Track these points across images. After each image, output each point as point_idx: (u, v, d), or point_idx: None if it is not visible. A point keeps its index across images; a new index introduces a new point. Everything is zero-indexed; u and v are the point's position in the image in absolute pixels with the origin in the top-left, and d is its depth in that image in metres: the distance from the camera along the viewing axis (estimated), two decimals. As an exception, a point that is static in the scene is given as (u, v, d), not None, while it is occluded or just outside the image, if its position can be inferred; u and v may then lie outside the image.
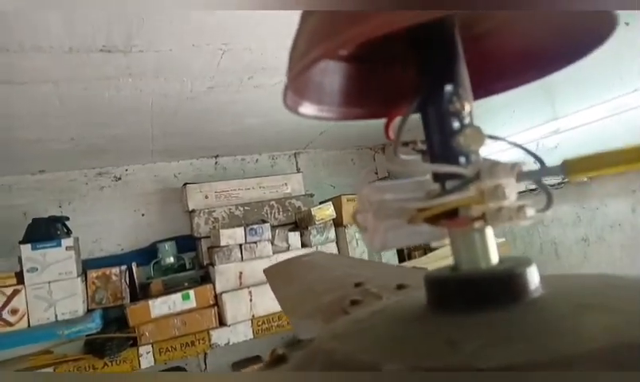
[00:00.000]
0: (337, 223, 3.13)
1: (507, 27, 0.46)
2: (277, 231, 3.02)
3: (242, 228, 2.86)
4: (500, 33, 0.46)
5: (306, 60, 0.33)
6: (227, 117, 2.66)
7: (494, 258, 0.38)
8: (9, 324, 2.55)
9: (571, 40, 0.41)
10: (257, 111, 2.63)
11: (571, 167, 0.34)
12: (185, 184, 3.16)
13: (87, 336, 2.61)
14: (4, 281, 2.57)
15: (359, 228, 0.42)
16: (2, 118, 2.11)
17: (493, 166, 0.35)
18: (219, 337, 2.75)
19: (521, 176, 0.35)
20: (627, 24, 2.11)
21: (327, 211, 3.04)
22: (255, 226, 2.90)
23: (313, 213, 3.00)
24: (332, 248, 3.10)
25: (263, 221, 3.02)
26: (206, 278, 2.96)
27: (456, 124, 0.39)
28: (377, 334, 0.39)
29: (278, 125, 2.96)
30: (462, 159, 0.38)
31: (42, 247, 2.63)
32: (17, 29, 1.44)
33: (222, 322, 2.78)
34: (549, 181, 2.51)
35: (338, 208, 3.10)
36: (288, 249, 3.00)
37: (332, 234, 3.10)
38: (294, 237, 3.05)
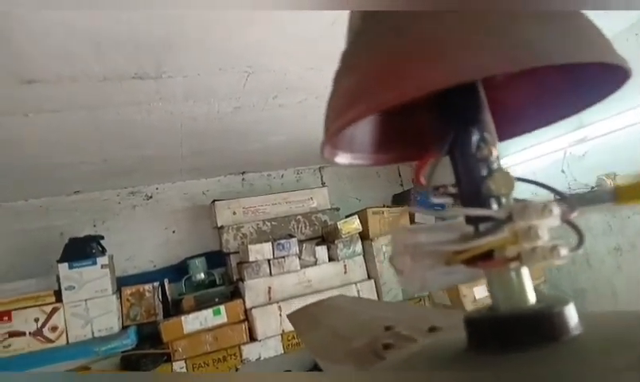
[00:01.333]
0: (364, 236, 3.14)
1: (523, 75, 0.47)
2: (304, 245, 3.04)
3: (270, 243, 2.90)
4: (516, 81, 0.48)
5: (341, 121, 0.35)
6: (253, 135, 2.72)
7: (532, 297, 0.39)
8: (50, 341, 2.64)
9: (585, 88, 0.43)
10: (282, 129, 2.69)
11: (622, 194, 0.34)
12: (213, 201, 3.23)
13: (122, 352, 2.68)
14: (44, 299, 2.67)
15: (395, 271, 0.44)
16: (40, 143, 2.21)
17: (525, 208, 0.36)
18: (250, 352, 2.78)
19: (572, 204, 0.36)
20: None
21: (353, 224, 3.06)
22: (282, 241, 2.94)
23: (339, 227, 3.02)
24: (359, 262, 3.11)
25: (291, 236, 3.06)
26: (236, 294, 3.01)
27: (485, 169, 0.40)
28: (418, 379, 0.40)
29: (302, 141, 3.00)
30: (493, 202, 0.39)
31: (79, 266, 2.72)
32: (55, 61, 1.52)
33: (252, 337, 2.82)
34: (576, 188, 2.46)
35: (364, 222, 3.12)
36: (315, 263, 3.02)
37: (359, 247, 3.11)
38: (322, 251, 3.08)
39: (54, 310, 2.67)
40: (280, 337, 2.82)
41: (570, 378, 0.29)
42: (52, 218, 3.09)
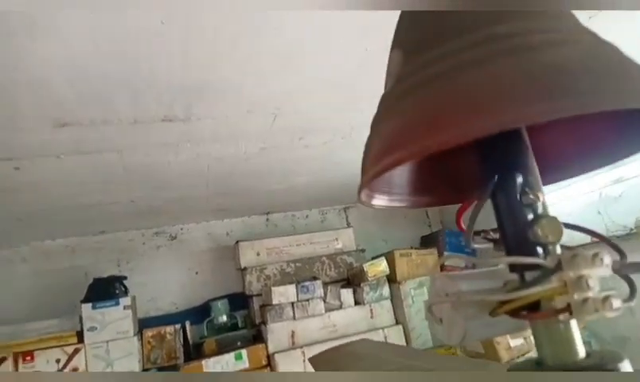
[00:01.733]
0: (391, 279, 3.06)
1: (564, 121, 0.46)
2: (329, 288, 2.98)
3: (294, 286, 2.85)
4: (559, 126, 0.47)
5: (379, 167, 0.34)
6: (278, 175, 2.72)
7: (581, 351, 0.36)
8: (70, 383, 2.60)
9: (629, 135, 0.41)
10: (307, 169, 2.68)
11: None
12: (237, 241, 3.21)
13: (142, 394, 2.62)
14: (66, 340, 2.66)
15: (433, 320, 0.42)
16: (70, 184, 2.24)
17: (575, 257, 0.34)
18: (272, 398, 2.69)
19: (624, 268, 0.34)
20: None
21: (380, 267, 2.99)
22: (306, 283, 2.88)
23: (365, 269, 2.95)
24: (386, 306, 3.02)
25: (315, 278, 3.00)
26: (258, 337, 2.94)
27: (530, 214, 0.38)
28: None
29: (327, 181, 2.99)
30: (540, 250, 0.37)
31: (102, 307, 2.71)
32: (89, 104, 1.55)
33: (275, 383, 2.72)
34: (614, 230, 2.36)
35: (391, 264, 3.04)
36: (341, 307, 2.95)
37: (386, 291, 3.03)
38: (347, 294, 3.00)
39: (76, 351, 2.65)
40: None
41: None
42: (77, 258, 3.12)
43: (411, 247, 3.43)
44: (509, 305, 0.36)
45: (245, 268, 3.09)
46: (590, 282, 0.33)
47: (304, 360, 2.71)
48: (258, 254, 3.15)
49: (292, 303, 2.82)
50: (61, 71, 1.33)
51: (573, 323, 0.37)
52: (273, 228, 3.59)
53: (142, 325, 2.91)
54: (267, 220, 3.61)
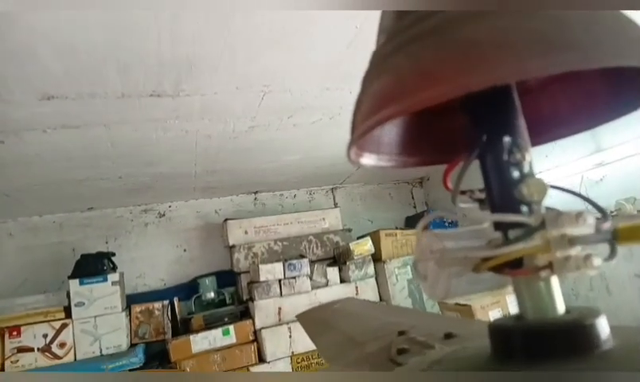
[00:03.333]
0: (376, 258, 3.11)
1: (558, 80, 0.46)
2: (315, 266, 3.02)
3: (281, 264, 2.89)
4: (551, 86, 0.47)
5: (372, 120, 0.34)
6: (266, 155, 2.73)
7: (561, 307, 0.37)
8: (58, 357, 2.63)
9: (624, 94, 0.42)
10: (295, 149, 2.69)
11: (623, 234, 0.33)
12: (225, 219, 3.23)
13: (130, 370, 2.65)
14: (53, 315, 2.67)
15: (418, 276, 0.42)
16: (57, 160, 2.23)
17: (558, 215, 0.35)
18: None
19: (574, 240, 0.35)
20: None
21: (365, 246, 3.03)
22: (294, 261, 2.92)
23: (351, 248, 2.99)
24: (371, 284, 3.07)
25: (302, 256, 3.04)
26: (246, 314, 2.98)
27: (516, 174, 0.39)
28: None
29: (315, 161, 3.01)
30: (524, 208, 0.38)
31: (89, 283, 2.72)
32: (76, 77, 1.54)
33: (261, 358, 2.78)
34: (594, 213, 2.42)
35: (377, 243, 3.09)
36: (327, 284, 2.99)
37: (371, 269, 3.08)
38: (333, 272, 3.05)
39: (63, 326, 2.67)
40: (289, 358, 2.78)
41: None
42: (65, 234, 3.11)
43: (396, 228, 3.48)
44: (492, 261, 0.37)
45: (233, 246, 3.12)
46: (572, 241, 0.34)
47: (290, 336, 2.76)
48: (246, 232, 3.17)
49: (279, 280, 2.86)
50: (47, 41, 1.31)
51: (554, 280, 0.38)
52: (261, 207, 3.61)
53: (130, 300, 2.93)
54: (256, 199, 3.63)
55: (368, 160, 0.47)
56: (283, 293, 2.86)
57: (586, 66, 0.29)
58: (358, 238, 3.20)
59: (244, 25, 1.40)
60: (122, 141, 2.15)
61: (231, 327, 2.78)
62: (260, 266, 2.85)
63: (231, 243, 3.13)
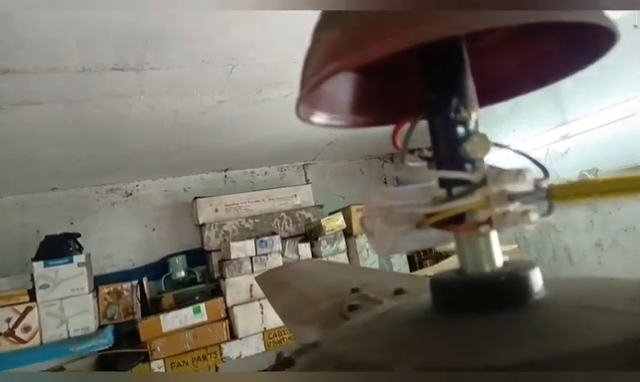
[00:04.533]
0: (347, 233, 3.13)
1: (510, 39, 0.47)
2: (287, 242, 3.03)
3: (252, 241, 2.88)
4: (504, 45, 0.47)
5: (321, 74, 0.33)
6: (236, 131, 2.69)
7: (499, 261, 0.39)
8: (22, 341, 2.57)
9: (572, 53, 0.42)
10: (266, 125, 2.66)
11: (556, 193, 0.34)
12: (195, 198, 3.19)
13: (99, 352, 2.62)
14: (17, 298, 2.60)
15: (366, 233, 0.43)
16: (17, 138, 2.14)
17: (499, 173, 0.35)
18: (230, 350, 2.75)
19: (513, 197, 0.36)
20: (636, 26, 2.12)
21: (337, 221, 3.05)
22: (265, 238, 2.91)
23: (323, 224, 3.00)
24: (342, 258, 3.10)
25: (273, 233, 3.04)
26: (217, 292, 2.97)
27: (462, 132, 0.40)
28: (386, 337, 0.40)
29: (286, 137, 2.98)
30: (468, 166, 0.39)
31: (54, 264, 2.65)
32: (33, 50, 1.47)
33: (233, 335, 2.79)
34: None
35: (348, 219, 3.11)
36: (298, 260, 3.00)
37: (342, 244, 3.10)
38: (305, 248, 3.06)
39: (28, 310, 2.60)
40: (262, 334, 2.80)
41: (530, 340, 0.29)
42: (28, 215, 3.01)
43: (368, 203, 3.50)
44: (435, 217, 0.38)
45: (203, 224, 3.08)
46: (511, 197, 0.35)
47: (262, 312, 2.77)
48: (216, 210, 3.14)
49: (251, 258, 2.86)
50: (3, 12, 1.25)
51: (494, 236, 0.39)
52: (231, 185, 3.57)
53: (98, 282, 2.88)
54: (226, 176, 3.59)
55: (319, 118, 0.46)
56: (255, 270, 2.86)
57: (523, 20, 0.29)
58: (330, 214, 3.21)
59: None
60: (85, 118, 2.08)
61: (202, 305, 2.76)
62: (231, 243, 2.83)
63: (201, 222, 3.10)
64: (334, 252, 3.06)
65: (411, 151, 0.43)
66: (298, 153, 3.56)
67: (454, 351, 0.31)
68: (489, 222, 0.36)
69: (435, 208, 0.38)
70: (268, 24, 1.58)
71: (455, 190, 0.38)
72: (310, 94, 0.41)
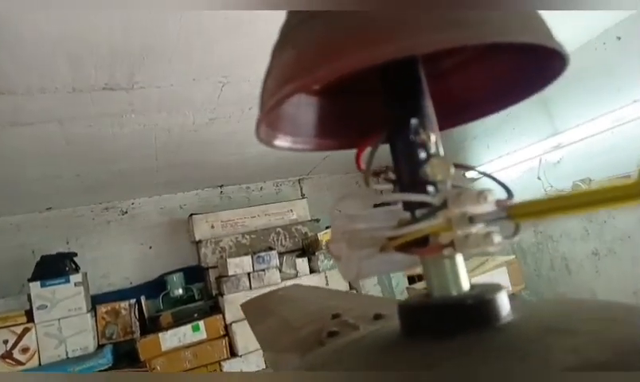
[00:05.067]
0: (345, 247, 3.11)
1: (470, 61, 0.47)
2: (284, 257, 3.01)
3: (249, 257, 2.86)
4: (464, 67, 0.47)
5: (276, 96, 0.33)
6: (230, 147, 2.69)
7: (465, 284, 0.38)
8: (20, 363, 2.55)
9: (528, 76, 0.43)
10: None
11: (516, 212, 0.34)
12: (191, 215, 3.18)
13: (99, 371, 2.59)
14: (14, 320, 2.58)
15: (333, 257, 0.43)
16: (10, 158, 2.15)
17: (460, 194, 0.35)
18: (230, 367, 2.72)
19: (474, 218, 0.35)
20: (619, 38, 2.13)
21: (334, 235, 3.03)
22: (262, 254, 2.90)
23: (320, 238, 2.99)
24: (340, 273, 3.08)
25: (270, 248, 3.02)
26: (215, 309, 2.95)
27: (422, 154, 0.40)
28: (351, 364, 0.40)
29: (281, 152, 2.97)
30: (431, 188, 0.39)
31: (51, 284, 2.64)
32: (24, 71, 1.48)
33: (233, 353, 2.76)
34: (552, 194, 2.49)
35: (345, 232, 3.09)
36: (296, 275, 2.99)
37: (339, 258, 3.08)
38: (302, 263, 3.04)
39: (25, 331, 2.58)
40: (262, 352, 2.77)
41: (494, 364, 0.29)
42: (23, 235, 3.01)
43: (365, 216, 3.49)
44: (397, 241, 0.37)
45: (200, 241, 3.08)
46: (472, 219, 0.34)
47: (260, 329, 2.75)
48: (212, 226, 3.14)
49: (248, 274, 2.84)
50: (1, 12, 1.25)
51: (459, 258, 0.38)
52: (227, 201, 3.57)
53: (96, 301, 2.86)
54: (221, 192, 3.59)
55: (282, 142, 0.46)
56: (253, 286, 2.84)
57: (474, 41, 0.29)
58: (327, 228, 3.20)
59: (198, 13, 1.37)
60: (77, 137, 2.08)
61: (201, 323, 2.74)
62: (228, 260, 2.82)
63: (197, 239, 3.09)
64: (332, 266, 3.05)
65: (377, 173, 0.43)
66: (293, 168, 3.56)
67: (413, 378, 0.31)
68: (452, 244, 0.36)
69: (395, 232, 0.38)
70: (257, 40, 1.59)
71: (418, 213, 0.38)
72: (268, 117, 0.41)
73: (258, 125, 0.40)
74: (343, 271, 0.41)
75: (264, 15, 1.45)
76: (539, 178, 2.62)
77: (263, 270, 2.88)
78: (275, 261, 2.91)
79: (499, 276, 2.42)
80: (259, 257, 2.88)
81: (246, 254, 2.91)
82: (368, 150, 0.42)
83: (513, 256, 2.64)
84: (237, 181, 3.59)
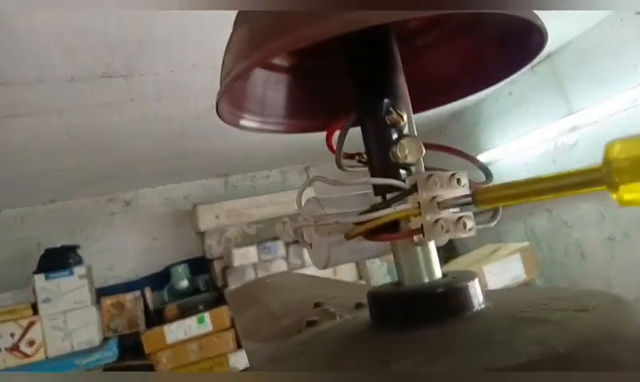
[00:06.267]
0: (352, 236, 3.06)
1: (445, 42, 0.46)
2: (291, 247, 2.96)
3: (255, 247, 2.82)
4: (439, 47, 0.46)
5: (232, 73, 0.32)
6: (234, 135, 2.61)
7: (437, 272, 0.37)
8: (27, 356, 2.54)
9: (506, 56, 0.42)
10: (263, 127, 2.59)
11: (481, 198, 0.32)
12: (195, 205, 3.13)
13: (104, 365, 2.57)
14: (20, 313, 2.57)
15: (302, 244, 0.42)
16: (10, 151, 2.12)
17: (430, 177, 0.34)
18: (237, 360, 2.69)
19: (443, 204, 0.34)
20: (638, 13, 2.04)
21: (341, 224, 2.98)
22: (268, 244, 2.86)
23: (326, 227, 2.94)
24: (349, 263, 3.03)
25: (276, 238, 2.97)
26: (221, 300, 2.91)
27: (395, 135, 0.38)
28: (314, 355, 0.39)
29: (287, 140, 2.91)
30: (403, 171, 0.37)
31: (55, 277, 2.62)
32: (20, 61, 1.44)
33: (240, 345, 2.72)
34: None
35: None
36: (303, 265, 2.94)
37: (347, 248, 3.03)
38: (309, 253, 3.00)
39: (31, 324, 2.57)
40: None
41: (459, 354, 0.29)
42: (27, 228, 2.98)
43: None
44: (364, 226, 0.35)
45: (205, 232, 3.03)
46: (441, 204, 0.33)
47: (267, 320, 2.71)
48: (217, 217, 3.09)
49: (254, 264, 2.80)
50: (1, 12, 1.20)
51: (431, 244, 0.37)
52: (232, 190, 3.51)
53: (101, 293, 2.84)
54: (226, 181, 3.53)
55: (249, 123, 0.45)
56: (259, 277, 2.80)
57: (444, 10, 0.29)
58: (334, 216, 3.15)
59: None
60: (77, 128, 2.04)
61: (206, 315, 2.71)
62: (234, 250, 2.78)
63: (202, 229, 3.05)
64: (339, 255, 3.00)
65: (352, 156, 0.42)
66: (299, 156, 3.49)
67: (377, 370, 0.30)
68: (422, 230, 0.34)
69: (360, 217, 0.35)
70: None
71: (389, 197, 0.36)
72: (230, 96, 0.40)
73: (217, 104, 0.39)
74: (313, 258, 0.39)
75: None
76: (554, 161, 2.53)
77: (269, 260, 2.84)
78: (282, 251, 2.87)
79: (513, 264, 2.36)
80: (264, 247, 2.84)
81: (251, 244, 2.87)
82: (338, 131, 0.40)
83: (527, 243, 2.57)
84: (242, 170, 3.53)
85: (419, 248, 0.37)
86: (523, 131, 2.65)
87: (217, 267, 3.02)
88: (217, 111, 0.40)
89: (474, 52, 0.45)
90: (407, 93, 0.39)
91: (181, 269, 3.03)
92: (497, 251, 2.54)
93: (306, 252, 2.90)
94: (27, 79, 1.57)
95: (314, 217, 0.38)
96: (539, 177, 0.29)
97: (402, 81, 0.39)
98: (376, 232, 0.35)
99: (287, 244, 2.96)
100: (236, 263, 2.76)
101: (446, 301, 0.35)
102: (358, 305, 0.58)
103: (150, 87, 1.80)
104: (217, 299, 2.93)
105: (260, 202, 3.22)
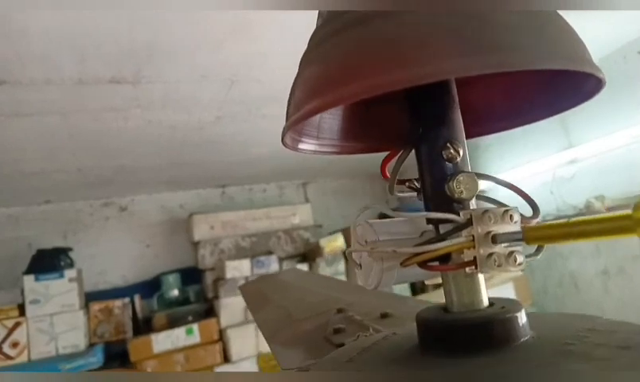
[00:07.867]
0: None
1: (496, 75, 0.47)
2: (285, 263, 2.96)
3: (248, 260, 2.81)
4: (487, 78, 0.47)
5: (300, 113, 0.33)
6: (234, 147, 2.64)
7: (485, 301, 0.39)
8: (9, 357, 2.49)
9: (559, 93, 0.42)
10: (265, 141, 2.61)
11: (530, 235, 0.34)
12: (190, 214, 3.12)
13: (88, 371, 2.53)
14: (6, 313, 2.53)
15: (353, 264, 0.44)
16: (10, 150, 2.10)
17: (485, 213, 0.35)
18: (223, 373, 2.66)
19: (496, 238, 0.35)
20: None
21: (336, 242, 2.98)
22: (261, 258, 2.85)
23: (321, 245, 2.94)
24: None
25: (270, 253, 2.97)
26: (211, 312, 2.89)
27: (450, 169, 0.39)
28: (369, 376, 0.39)
29: (286, 154, 2.91)
30: (456, 205, 0.39)
31: (45, 279, 2.58)
32: (29, 62, 1.44)
33: (227, 358, 2.70)
34: (565, 210, 2.44)
35: (348, 239, 3.04)
36: (281, 271, 2.93)
37: (341, 266, 3.03)
38: (302, 269, 2.99)
39: (16, 325, 2.53)
40: (256, 358, 2.71)
41: None
42: (21, 228, 2.95)
43: (369, 224, 3.44)
44: (420, 257, 0.37)
45: (199, 242, 3.02)
46: (494, 238, 0.35)
47: (257, 335, 2.69)
48: (212, 227, 3.08)
49: (246, 278, 2.79)
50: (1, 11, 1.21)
51: (480, 275, 0.39)
52: (229, 201, 3.51)
53: (90, 298, 2.80)
54: (223, 192, 3.53)
55: (307, 146, 0.47)
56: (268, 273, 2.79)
57: (503, 69, 0.29)
58: (329, 234, 3.15)
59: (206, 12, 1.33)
60: (81, 131, 2.03)
61: (195, 326, 2.68)
62: (227, 262, 2.77)
63: (196, 239, 3.03)
64: (333, 274, 2.99)
65: (402, 182, 0.43)
66: (297, 171, 3.51)
67: None
68: (474, 262, 0.36)
69: (418, 249, 0.37)
70: (267, 40, 1.55)
71: (442, 228, 0.38)
72: (292, 129, 0.41)
73: (284, 133, 0.41)
74: (363, 280, 0.41)
75: (270, 18, 1.41)
76: (551, 193, 2.56)
77: (262, 274, 2.83)
78: (275, 266, 2.86)
79: (506, 291, 2.37)
80: (258, 261, 2.83)
81: (245, 257, 2.86)
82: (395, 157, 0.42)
83: (521, 272, 2.59)
84: (240, 182, 3.53)
85: (467, 278, 0.38)
86: (522, 161, 2.68)
87: (209, 278, 3.00)
88: (283, 139, 0.42)
89: (522, 86, 0.46)
90: (463, 128, 0.40)
91: (172, 278, 3.01)
92: (490, 278, 2.56)
93: (299, 268, 2.90)
94: (35, 79, 1.57)
95: (368, 242, 0.39)
96: (581, 220, 0.30)
97: (458, 116, 0.40)
98: (430, 261, 0.37)
99: (281, 259, 2.96)
100: (229, 275, 2.74)
101: (495, 330, 0.36)
102: (384, 316, 0.59)
103: (156, 94, 1.81)
104: (207, 311, 2.91)
105: (256, 215, 3.22)
